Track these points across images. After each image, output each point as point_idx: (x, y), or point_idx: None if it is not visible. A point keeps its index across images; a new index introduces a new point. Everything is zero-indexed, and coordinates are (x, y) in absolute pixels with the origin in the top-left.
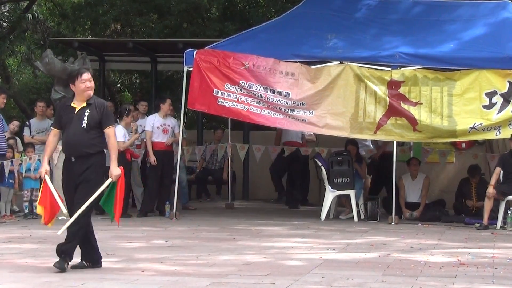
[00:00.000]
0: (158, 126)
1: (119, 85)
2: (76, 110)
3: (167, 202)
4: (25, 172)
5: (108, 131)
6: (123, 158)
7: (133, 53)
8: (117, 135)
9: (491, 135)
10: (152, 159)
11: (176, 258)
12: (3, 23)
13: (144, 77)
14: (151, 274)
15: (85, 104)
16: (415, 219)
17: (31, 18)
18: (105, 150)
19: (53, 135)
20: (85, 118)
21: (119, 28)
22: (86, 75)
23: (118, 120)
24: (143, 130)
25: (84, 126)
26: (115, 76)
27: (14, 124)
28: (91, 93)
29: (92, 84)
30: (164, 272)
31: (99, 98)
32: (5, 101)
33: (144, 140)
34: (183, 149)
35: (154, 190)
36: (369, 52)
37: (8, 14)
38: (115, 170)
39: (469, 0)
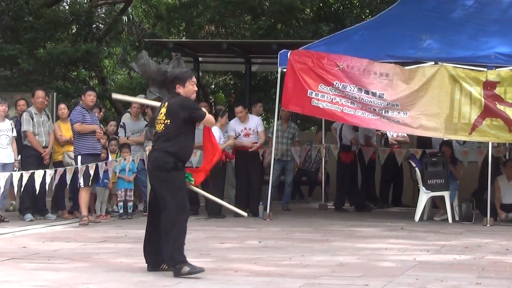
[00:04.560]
0: (239, 132)
1: (212, 86)
2: None
3: (261, 203)
4: (119, 173)
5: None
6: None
7: (227, 54)
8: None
9: None
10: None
11: (269, 258)
12: (100, 25)
13: (238, 78)
14: (245, 274)
15: None
16: (511, 221)
17: (126, 20)
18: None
19: None
20: None
21: (213, 29)
22: (195, 78)
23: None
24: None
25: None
26: (209, 77)
27: (112, 125)
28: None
29: None
30: (257, 273)
31: None
32: (94, 99)
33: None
34: (277, 148)
35: (242, 191)
36: (464, 52)
37: (104, 16)
38: None
39: None
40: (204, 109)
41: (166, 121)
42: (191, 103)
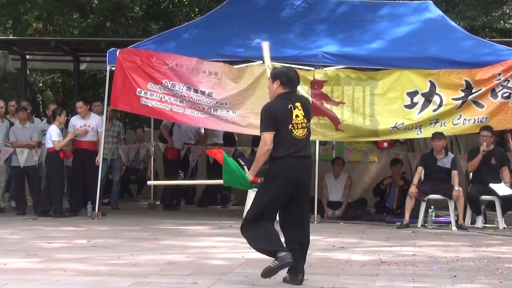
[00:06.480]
0: (78, 127)
1: (40, 84)
2: None
3: (89, 202)
4: None
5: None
6: (57, 157)
7: (56, 52)
8: (53, 135)
9: (413, 135)
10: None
11: (98, 258)
12: None
13: (67, 76)
14: (73, 274)
15: None
16: (337, 218)
17: None
18: None
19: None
20: None
21: (41, 27)
22: None
23: (51, 121)
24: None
25: None
26: (37, 75)
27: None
28: None
29: None
30: (86, 272)
31: None
32: None
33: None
34: (105, 148)
35: (79, 190)
36: (292, 51)
37: None
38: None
39: (392, 0)
40: None
41: (308, 124)
42: None
